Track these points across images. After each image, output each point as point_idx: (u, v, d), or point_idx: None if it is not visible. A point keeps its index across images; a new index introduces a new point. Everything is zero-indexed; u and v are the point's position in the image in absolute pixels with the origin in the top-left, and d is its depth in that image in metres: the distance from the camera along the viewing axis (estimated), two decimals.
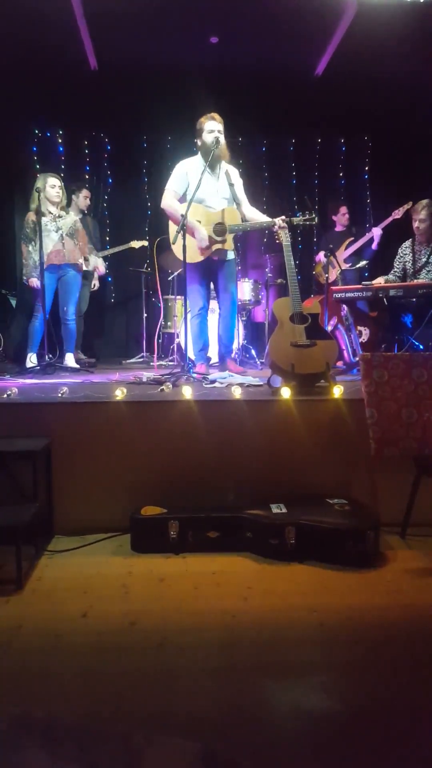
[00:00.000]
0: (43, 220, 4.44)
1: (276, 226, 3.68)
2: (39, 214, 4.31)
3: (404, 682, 1.67)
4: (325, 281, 4.96)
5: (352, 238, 5.53)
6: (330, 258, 5.02)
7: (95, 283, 5.54)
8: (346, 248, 5.51)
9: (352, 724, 1.48)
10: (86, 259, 5.23)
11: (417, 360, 2.70)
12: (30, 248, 4.50)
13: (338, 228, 5.81)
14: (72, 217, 4.70)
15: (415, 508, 2.63)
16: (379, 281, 4.32)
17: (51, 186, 4.45)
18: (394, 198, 5.21)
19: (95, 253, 5.41)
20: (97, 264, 5.46)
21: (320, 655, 1.78)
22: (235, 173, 4.00)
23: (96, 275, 5.51)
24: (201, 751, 1.40)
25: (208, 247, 3.81)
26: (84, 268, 5.33)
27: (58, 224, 4.50)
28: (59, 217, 4.50)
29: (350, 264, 5.46)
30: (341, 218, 5.77)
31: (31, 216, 4.47)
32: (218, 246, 3.82)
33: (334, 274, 5.23)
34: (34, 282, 4.48)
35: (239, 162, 4.12)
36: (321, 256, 5.66)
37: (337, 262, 5.09)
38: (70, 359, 4.71)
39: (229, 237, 3.81)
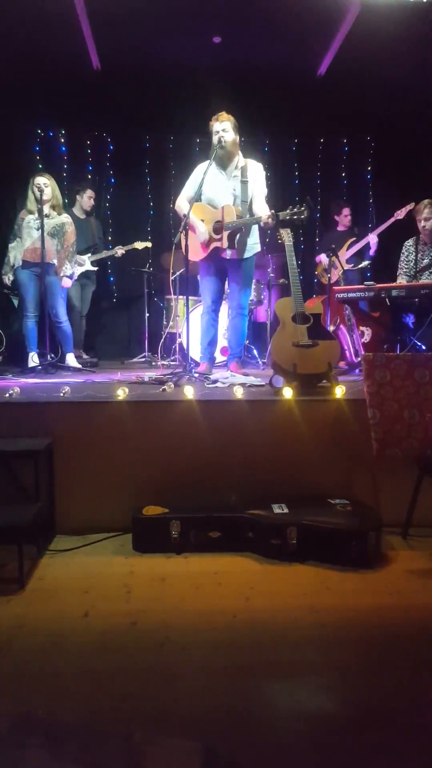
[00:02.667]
0: (29, 217, 4.46)
1: (262, 222, 3.66)
2: (41, 213, 4.33)
3: (405, 682, 1.66)
4: (328, 281, 4.96)
5: (354, 239, 5.52)
6: (332, 258, 5.01)
7: (66, 280, 5.30)
8: (348, 249, 5.51)
9: (353, 725, 1.48)
10: (80, 264, 5.24)
11: (419, 360, 2.69)
12: (10, 245, 4.53)
13: (340, 228, 5.80)
14: (61, 219, 4.60)
15: (417, 508, 2.63)
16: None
17: (35, 185, 4.43)
18: (397, 198, 5.20)
19: (77, 258, 5.29)
20: (81, 266, 5.37)
21: (321, 656, 1.78)
22: (255, 169, 3.89)
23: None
24: (201, 750, 1.40)
25: (207, 244, 3.81)
26: (80, 269, 5.33)
27: (45, 223, 4.40)
28: (47, 216, 4.42)
29: (352, 264, 5.46)
30: (343, 219, 5.76)
31: (23, 214, 4.52)
32: (216, 244, 3.82)
33: (336, 275, 5.22)
34: (5, 279, 4.60)
35: (253, 159, 4.03)
36: (322, 257, 5.66)
37: (339, 263, 5.09)
38: (71, 359, 4.71)
39: (225, 234, 3.79)
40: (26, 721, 1.51)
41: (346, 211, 5.76)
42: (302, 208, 3.53)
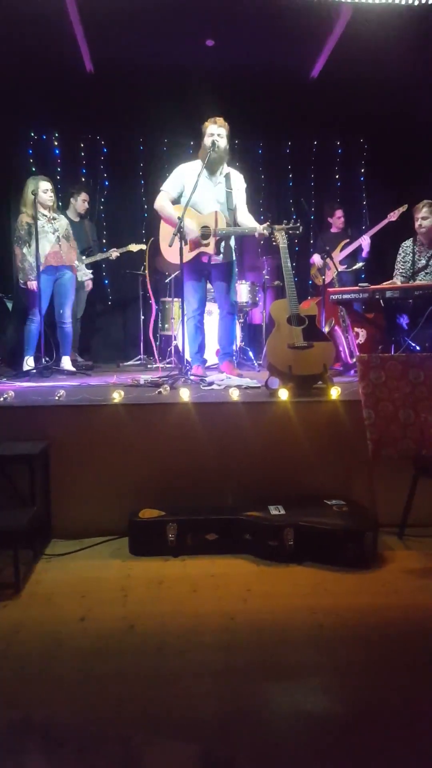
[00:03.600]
0: (39, 222, 4.45)
1: (257, 234, 3.69)
2: (35, 218, 4.32)
3: (403, 682, 1.67)
4: (322, 283, 4.97)
5: (347, 240, 5.54)
6: (326, 260, 5.03)
7: (89, 282, 5.51)
8: (341, 250, 5.53)
9: (352, 725, 1.48)
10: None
11: (414, 361, 2.70)
12: (25, 250, 4.44)
13: (334, 230, 5.82)
14: (65, 220, 4.72)
15: (413, 508, 2.64)
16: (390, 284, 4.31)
17: (44, 190, 4.45)
18: (390, 200, 5.22)
19: (82, 260, 5.41)
20: (86, 273, 5.45)
21: (319, 657, 1.78)
22: (237, 179, 3.97)
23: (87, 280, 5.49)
24: (200, 752, 1.40)
25: (196, 243, 3.82)
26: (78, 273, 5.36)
27: (55, 226, 4.53)
28: (54, 219, 4.52)
29: (346, 266, 5.47)
30: (336, 221, 5.78)
31: (25, 218, 4.44)
32: (203, 249, 3.83)
33: (330, 276, 5.24)
34: (34, 285, 4.40)
35: (236, 165, 4.12)
36: (316, 258, 5.67)
37: (334, 264, 5.10)
38: (66, 362, 4.70)
39: (212, 241, 3.80)
40: (24, 725, 1.50)
41: (339, 213, 5.77)
42: (297, 224, 3.59)
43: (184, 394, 2.92)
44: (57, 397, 2.90)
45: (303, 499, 2.67)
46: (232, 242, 4.00)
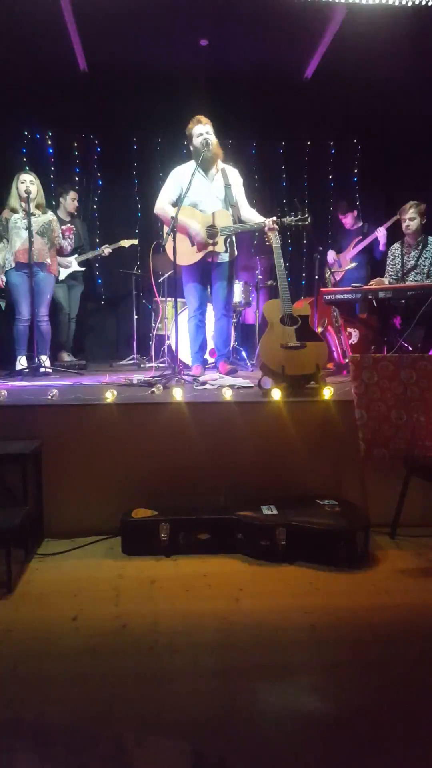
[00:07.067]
0: (14, 217, 4.42)
1: (266, 227, 3.66)
2: (15, 211, 4.33)
3: (395, 682, 1.68)
4: (316, 281, 4.97)
5: (360, 237, 5.49)
6: (318, 259, 5.01)
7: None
8: (354, 247, 5.49)
9: (344, 725, 1.49)
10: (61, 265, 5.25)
11: (405, 362, 2.72)
12: (0, 246, 4.48)
13: (347, 227, 5.73)
14: (47, 217, 4.56)
15: (405, 508, 2.65)
16: (377, 282, 4.31)
17: (21, 182, 4.40)
18: (383, 201, 5.25)
19: (64, 260, 5.36)
20: (68, 268, 5.39)
21: (311, 656, 1.79)
22: (233, 174, 3.96)
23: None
24: (191, 752, 1.40)
25: (203, 244, 3.80)
26: (67, 271, 5.33)
27: (27, 223, 4.31)
28: (33, 215, 4.36)
29: (357, 263, 5.43)
30: (350, 220, 5.68)
31: (5, 214, 4.46)
32: (211, 248, 3.82)
33: (339, 274, 5.24)
34: (1, 281, 4.53)
35: (229, 164, 4.12)
36: (331, 255, 5.62)
37: (327, 266, 5.11)
38: (44, 360, 4.65)
39: (221, 239, 3.80)
40: (15, 724, 1.50)
41: (350, 215, 5.68)
42: (306, 216, 3.56)
43: (177, 394, 2.92)
44: (50, 397, 2.90)
45: (295, 498, 2.68)
46: (235, 241, 3.95)
